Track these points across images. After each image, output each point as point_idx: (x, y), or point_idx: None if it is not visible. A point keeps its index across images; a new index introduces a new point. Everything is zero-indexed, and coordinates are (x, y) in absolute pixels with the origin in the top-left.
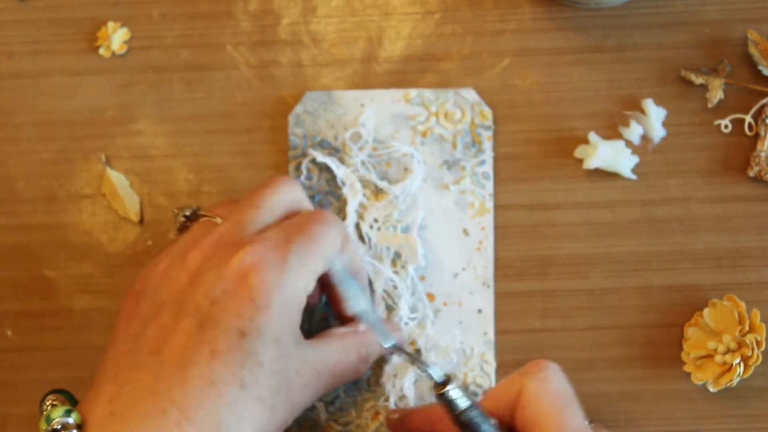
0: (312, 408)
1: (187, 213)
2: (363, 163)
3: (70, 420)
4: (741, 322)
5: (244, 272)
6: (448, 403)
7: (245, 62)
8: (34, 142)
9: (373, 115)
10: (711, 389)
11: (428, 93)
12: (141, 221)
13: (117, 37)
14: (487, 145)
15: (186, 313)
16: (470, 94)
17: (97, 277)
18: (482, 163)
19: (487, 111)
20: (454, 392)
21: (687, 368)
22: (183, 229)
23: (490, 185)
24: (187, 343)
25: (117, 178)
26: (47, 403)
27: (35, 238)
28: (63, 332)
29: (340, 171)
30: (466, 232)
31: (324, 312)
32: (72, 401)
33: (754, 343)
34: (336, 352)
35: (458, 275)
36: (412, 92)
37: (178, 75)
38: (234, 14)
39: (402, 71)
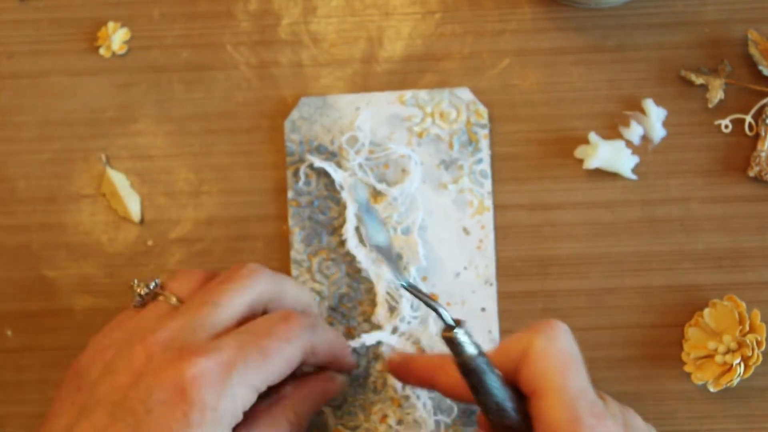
0: (320, 413)
1: (143, 292)
2: (360, 166)
3: None
4: (741, 322)
5: (182, 386)
6: (455, 347)
7: (245, 62)
8: (34, 142)
9: (369, 118)
10: (711, 389)
11: (423, 94)
12: (141, 221)
13: (117, 37)
14: (484, 144)
15: (119, 417)
16: (465, 94)
17: (97, 277)
18: (479, 161)
19: (483, 109)
20: (462, 337)
21: (687, 368)
22: (138, 305)
23: (488, 183)
24: None
25: (117, 178)
26: None
27: (35, 238)
28: (63, 332)
29: (338, 175)
30: (466, 231)
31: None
32: None
33: (754, 343)
34: None
35: (460, 274)
36: (407, 94)
37: (178, 75)
38: (234, 14)
39: (402, 71)
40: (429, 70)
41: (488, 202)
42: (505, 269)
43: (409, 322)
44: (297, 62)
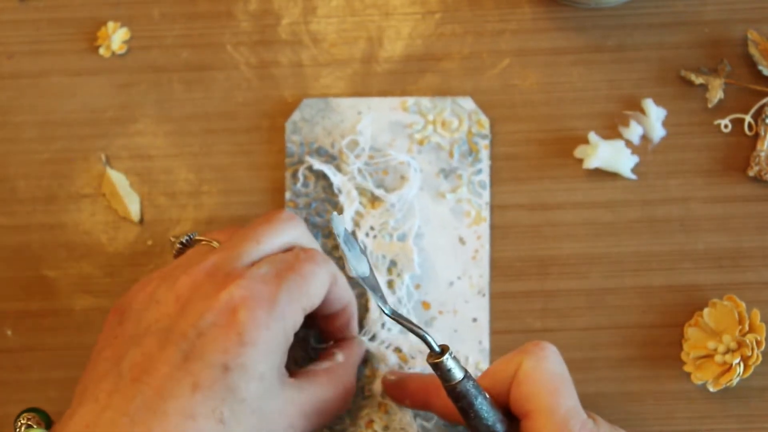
0: None
1: (184, 240)
2: (360, 170)
3: None
4: (741, 322)
5: (233, 307)
6: (442, 373)
7: (245, 62)
8: (34, 142)
9: (371, 123)
10: (711, 389)
11: (425, 101)
12: (141, 221)
13: (117, 37)
14: (484, 154)
15: (171, 341)
16: (468, 103)
17: (97, 277)
18: (479, 171)
19: (485, 120)
20: (449, 362)
21: (687, 368)
22: (179, 254)
23: (486, 194)
24: (170, 373)
25: (117, 178)
26: (21, 422)
27: (35, 238)
28: (63, 332)
29: (336, 179)
30: (462, 240)
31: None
32: (47, 422)
33: (754, 343)
34: (323, 390)
35: (453, 284)
36: (410, 100)
37: (178, 75)
38: (234, 14)
39: (402, 71)
40: (429, 70)
41: (485, 213)
42: (504, 269)
43: (389, 329)
44: (297, 62)
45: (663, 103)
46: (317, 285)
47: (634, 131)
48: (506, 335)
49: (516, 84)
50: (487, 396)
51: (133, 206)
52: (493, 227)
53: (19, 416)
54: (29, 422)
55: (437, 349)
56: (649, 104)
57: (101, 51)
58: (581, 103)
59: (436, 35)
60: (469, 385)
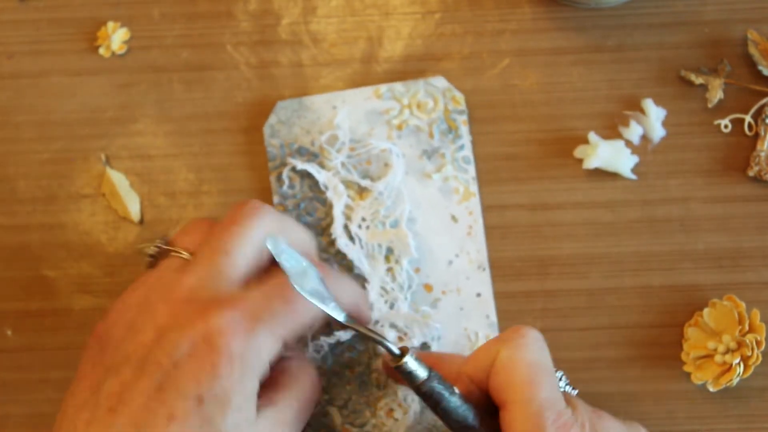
0: (326, 414)
1: (152, 252)
2: (343, 164)
3: None
4: (741, 322)
5: (209, 337)
6: (407, 375)
7: (245, 62)
8: (34, 142)
9: (347, 115)
10: (711, 389)
11: (398, 86)
12: (141, 221)
13: (117, 37)
14: (464, 130)
15: (147, 371)
16: (440, 82)
17: (97, 277)
18: (461, 148)
19: (459, 96)
20: (411, 364)
21: (687, 368)
22: (151, 266)
23: (471, 169)
24: (145, 404)
25: (117, 178)
26: None
27: (35, 238)
28: (63, 332)
29: (321, 176)
30: (454, 218)
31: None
32: None
33: (754, 343)
34: (295, 399)
35: (452, 262)
36: (383, 88)
37: (178, 75)
38: (234, 14)
39: (402, 71)
40: (429, 70)
41: (473, 188)
42: (504, 269)
43: (379, 309)
44: (297, 62)
45: (663, 103)
46: (305, 314)
47: (634, 131)
48: (505, 319)
49: (516, 84)
50: (456, 390)
51: (133, 206)
52: (492, 227)
53: None
54: None
55: (396, 352)
56: (649, 104)
57: (101, 51)
58: (581, 103)
59: (436, 35)
60: (433, 384)
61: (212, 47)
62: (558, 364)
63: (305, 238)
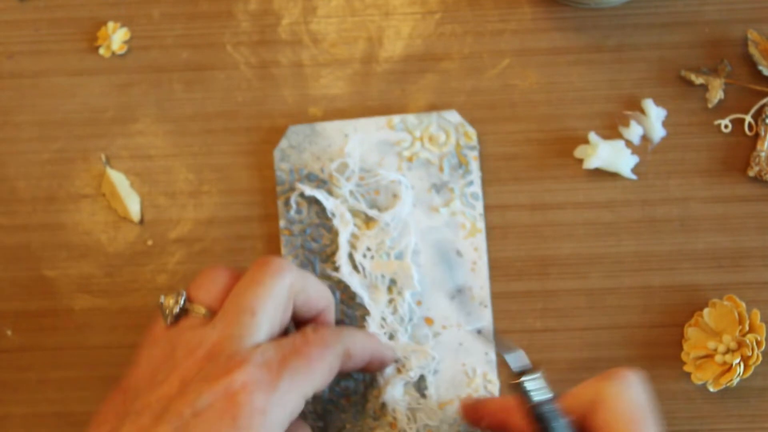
0: None
1: (176, 311)
2: (351, 192)
3: None
4: (741, 322)
5: (231, 392)
6: (522, 394)
7: (245, 62)
8: (34, 142)
9: (358, 144)
10: (711, 389)
11: (411, 118)
12: (141, 221)
13: (117, 37)
14: (474, 166)
15: (165, 420)
16: (453, 116)
17: (97, 277)
18: (470, 183)
19: (471, 131)
20: (530, 383)
21: (687, 368)
22: (173, 324)
23: (480, 205)
24: None
25: (117, 178)
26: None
27: (35, 238)
28: (63, 332)
29: (329, 203)
30: (459, 253)
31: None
32: None
33: (754, 343)
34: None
35: (455, 297)
36: (395, 118)
37: (178, 75)
38: (234, 14)
39: (402, 71)
40: (429, 70)
41: (480, 224)
42: (505, 269)
43: (383, 327)
44: (297, 62)
45: (663, 103)
46: (323, 369)
47: (634, 131)
48: (507, 335)
49: (516, 84)
50: (567, 421)
51: (133, 206)
52: (492, 227)
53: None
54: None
55: (518, 369)
56: (649, 104)
57: (101, 51)
58: (581, 103)
59: (436, 35)
60: (547, 409)
61: (212, 47)
62: (558, 363)
63: (323, 290)
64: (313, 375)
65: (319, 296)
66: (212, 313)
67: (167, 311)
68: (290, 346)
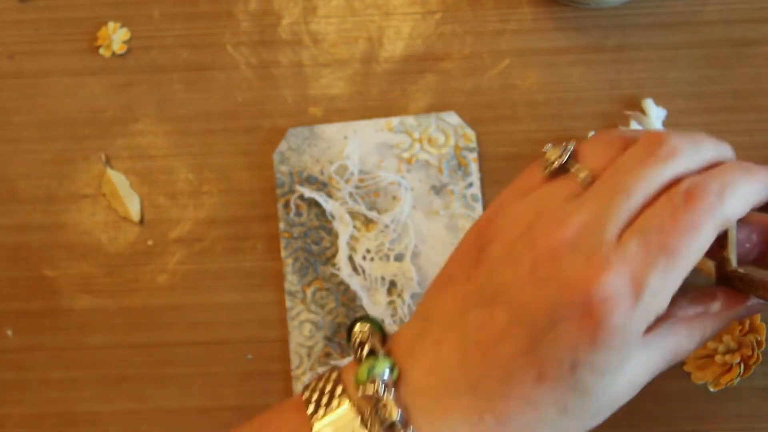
0: None
1: (555, 166)
2: (351, 195)
3: (387, 377)
4: (741, 322)
5: (590, 306)
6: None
7: (245, 62)
8: (34, 142)
9: (357, 146)
10: (711, 389)
11: (410, 120)
12: (141, 221)
13: (117, 37)
14: (474, 167)
15: (520, 321)
16: (452, 118)
17: (97, 277)
18: (470, 185)
19: (471, 133)
20: None
21: (687, 368)
22: (551, 177)
23: (479, 207)
24: (514, 356)
25: (117, 178)
26: (365, 348)
27: (35, 238)
28: (63, 332)
29: (328, 205)
30: None
31: None
32: (383, 336)
33: (754, 343)
34: (675, 345)
35: None
36: (394, 120)
37: (178, 75)
38: (234, 14)
39: (402, 71)
40: (429, 70)
41: None
42: None
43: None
44: (297, 62)
45: (663, 103)
46: (690, 259)
47: None
48: None
49: (516, 84)
50: None
51: (133, 206)
52: None
53: (352, 326)
54: (372, 348)
55: None
56: (649, 104)
57: (101, 51)
58: (581, 103)
59: (436, 35)
60: None
61: (212, 47)
62: None
63: (720, 154)
64: (677, 271)
65: (716, 168)
66: (593, 179)
67: (547, 162)
68: (656, 234)
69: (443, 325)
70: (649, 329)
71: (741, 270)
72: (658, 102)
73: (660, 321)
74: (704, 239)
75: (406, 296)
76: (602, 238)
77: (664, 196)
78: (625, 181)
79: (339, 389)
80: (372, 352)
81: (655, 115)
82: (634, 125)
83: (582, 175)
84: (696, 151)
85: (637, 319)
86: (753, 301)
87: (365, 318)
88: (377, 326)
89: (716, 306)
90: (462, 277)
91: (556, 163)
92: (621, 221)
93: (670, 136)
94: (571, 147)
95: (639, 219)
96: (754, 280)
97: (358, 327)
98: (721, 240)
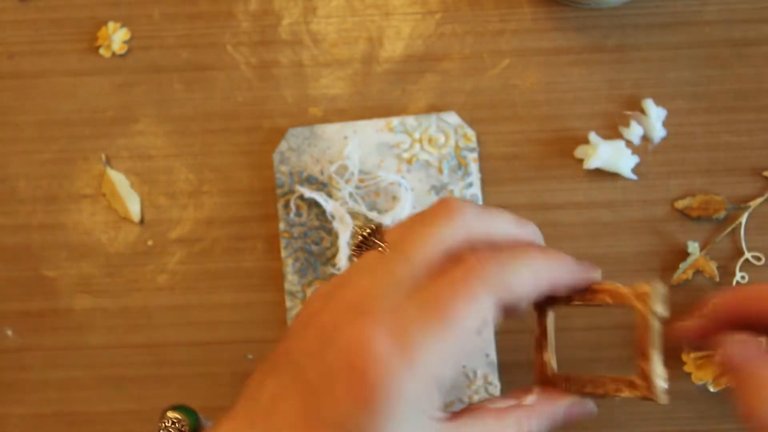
0: None
1: (358, 240)
2: (351, 195)
3: None
4: None
5: (360, 368)
6: None
7: (245, 62)
8: (34, 142)
9: (358, 146)
10: (711, 389)
11: (410, 120)
12: (141, 221)
13: (117, 37)
14: (473, 167)
15: (298, 385)
16: (452, 118)
17: (97, 277)
18: (470, 185)
19: (471, 133)
20: None
21: (687, 368)
22: (356, 252)
23: None
24: (292, 426)
25: (117, 178)
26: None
27: (35, 238)
28: (63, 332)
29: (328, 205)
30: None
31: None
32: (194, 426)
33: None
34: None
35: None
36: (394, 120)
37: (178, 75)
38: (234, 14)
39: (402, 71)
40: (429, 70)
41: None
42: None
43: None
44: (297, 62)
45: (663, 103)
46: (470, 323)
47: (634, 131)
48: (507, 335)
49: (516, 84)
50: None
51: (133, 206)
52: None
53: (164, 416)
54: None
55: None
56: (649, 104)
57: (101, 51)
58: (581, 103)
59: (436, 35)
60: None
61: (212, 47)
62: (558, 364)
63: (520, 231)
64: (457, 336)
65: (506, 231)
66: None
67: (355, 234)
68: (432, 299)
69: (242, 400)
70: (455, 416)
71: (563, 373)
72: (658, 102)
73: (468, 411)
74: (482, 307)
75: None
76: (381, 301)
77: (444, 272)
78: (405, 246)
79: None
80: None
81: (655, 115)
82: (634, 125)
83: (382, 245)
84: (479, 217)
85: (409, 381)
86: (577, 397)
87: (181, 408)
88: (191, 417)
89: (531, 399)
90: (272, 355)
91: (359, 237)
92: (403, 287)
93: (456, 200)
94: (375, 224)
95: (419, 288)
96: (582, 377)
97: (170, 413)
98: (540, 342)
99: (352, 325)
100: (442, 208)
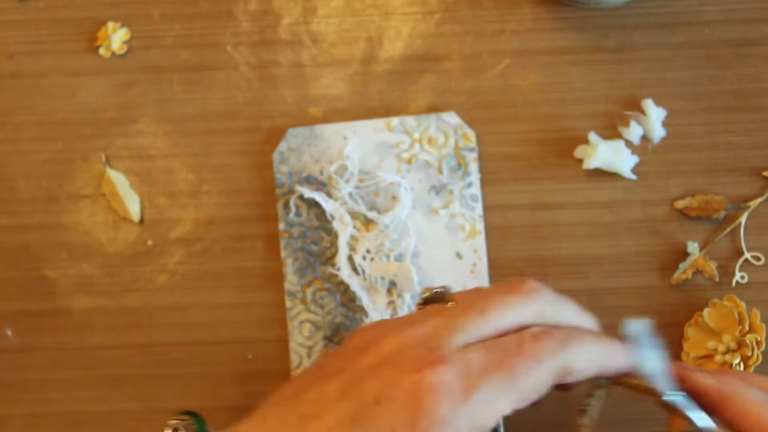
0: None
1: (425, 296)
2: (351, 195)
3: None
4: (741, 322)
5: (418, 391)
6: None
7: (245, 62)
8: (34, 142)
9: (357, 146)
10: None
11: (410, 120)
12: (141, 221)
13: (117, 37)
14: (473, 167)
15: (349, 396)
16: (452, 118)
17: (97, 277)
18: (470, 185)
19: (471, 133)
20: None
21: None
22: (421, 307)
23: (479, 207)
24: (333, 427)
25: (117, 178)
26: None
27: (35, 238)
28: (63, 332)
29: (328, 205)
30: (459, 255)
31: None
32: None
33: (754, 343)
34: None
35: None
36: (394, 120)
37: (178, 75)
38: (234, 14)
39: (402, 71)
40: (429, 70)
41: (480, 226)
42: (505, 269)
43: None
44: (297, 62)
45: (663, 103)
46: (527, 386)
47: (634, 131)
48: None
49: (516, 84)
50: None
51: (133, 206)
52: (493, 228)
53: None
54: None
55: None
56: (649, 104)
57: (101, 51)
58: (581, 103)
59: (436, 35)
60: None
61: (212, 47)
62: None
63: (584, 322)
64: (513, 391)
65: (574, 320)
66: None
67: (421, 296)
68: (499, 353)
69: (275, 402)
70: None
71: None
72: (658, 102)
73: None
74: (543, 374)
75: (406, 296)
76: (448, 340)
77: (514, 333)
78: (481, 303)
79: None
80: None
81: (655, 115)
82: (634, 125)
83: (450, 304)
84: (553, 303)
85: (461, 418)
86: None
87: (189, 413)
88: (199, 423)
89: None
90: (316, 368)
91: (428, 294)
92: (470, 335)
93: (536, 283)
94: (444, 286)
95: (488, 341)
96: None
97: (176, 419)
98: (580, 409)
99: (420, 356)
100: (522, 284)
